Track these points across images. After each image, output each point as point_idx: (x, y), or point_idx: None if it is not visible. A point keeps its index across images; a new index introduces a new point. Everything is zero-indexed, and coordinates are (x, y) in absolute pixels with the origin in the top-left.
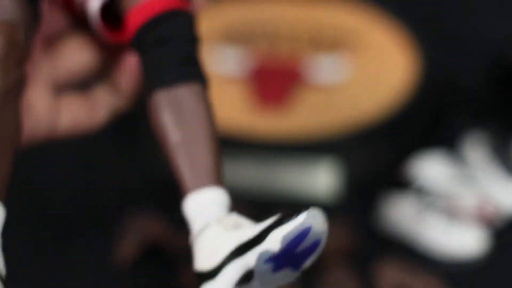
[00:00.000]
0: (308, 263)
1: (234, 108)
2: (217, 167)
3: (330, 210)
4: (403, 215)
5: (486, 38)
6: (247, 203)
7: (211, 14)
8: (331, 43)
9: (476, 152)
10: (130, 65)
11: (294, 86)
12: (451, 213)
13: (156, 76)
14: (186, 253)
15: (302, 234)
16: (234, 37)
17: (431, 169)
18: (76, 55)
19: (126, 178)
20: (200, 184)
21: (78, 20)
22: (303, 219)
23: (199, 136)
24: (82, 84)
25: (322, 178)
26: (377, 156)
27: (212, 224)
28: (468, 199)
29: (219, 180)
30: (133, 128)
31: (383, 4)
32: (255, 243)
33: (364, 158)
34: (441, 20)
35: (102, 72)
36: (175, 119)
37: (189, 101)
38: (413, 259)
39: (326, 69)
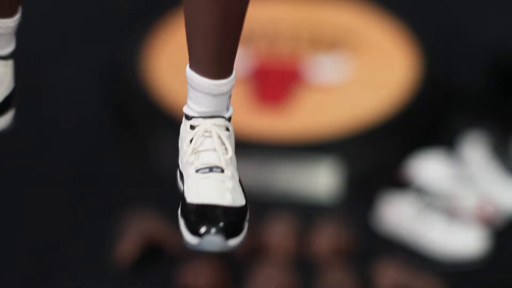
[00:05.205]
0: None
1: (234, 108)
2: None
3: (330, 210)
4: (403, 215)
5: (486, 38)
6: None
7: None
8: (331, 43)
9: (476, 152)
10: None
11: (294, 86)
12: (451, 213)
13: None
14: (186, 253)
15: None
16: None
17: (431, 169)
18: None
19: (126, 178)
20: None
21: None
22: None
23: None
24: None
25: (322, 178)
26: (377, 156)
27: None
28: (468, 199)
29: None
30: (134, 128)
31: (383, 4)
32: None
33: (364, 158)
34: (441, 20)
35: None
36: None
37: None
38: (413, 259)
39: (326, 69)
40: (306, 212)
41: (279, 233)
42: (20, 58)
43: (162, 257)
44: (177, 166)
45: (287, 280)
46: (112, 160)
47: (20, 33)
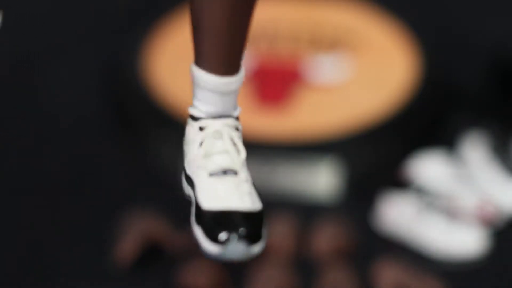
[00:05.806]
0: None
1: None
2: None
3: (330, 210)
4: (403, 215)
5: (486, 38)
6: None
7: None
8: (331, 43)
9: (476, 152)
10: None
11: (294, 86)
12: (451, 213)
13: None
14: (186, 253)
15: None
16: None
17: (431, 169)
18: None
19: (126, 178)
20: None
21: None
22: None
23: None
24: None
25: (322, 178)
26: (377, 156)
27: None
28: (468, 199)
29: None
30: (134, 128)
31: (383, 4)
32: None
33: (364, 158)
34: (441, 20)
35: None
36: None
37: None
38: (413, 259)
39: (326, 69)
40: (306, 212)
41: (279, 233)
42: (20, 58)
43: (162, 257)
44: (182, 170)
45: (287, 280)
46: (112, 160)
47: (20, 33)
